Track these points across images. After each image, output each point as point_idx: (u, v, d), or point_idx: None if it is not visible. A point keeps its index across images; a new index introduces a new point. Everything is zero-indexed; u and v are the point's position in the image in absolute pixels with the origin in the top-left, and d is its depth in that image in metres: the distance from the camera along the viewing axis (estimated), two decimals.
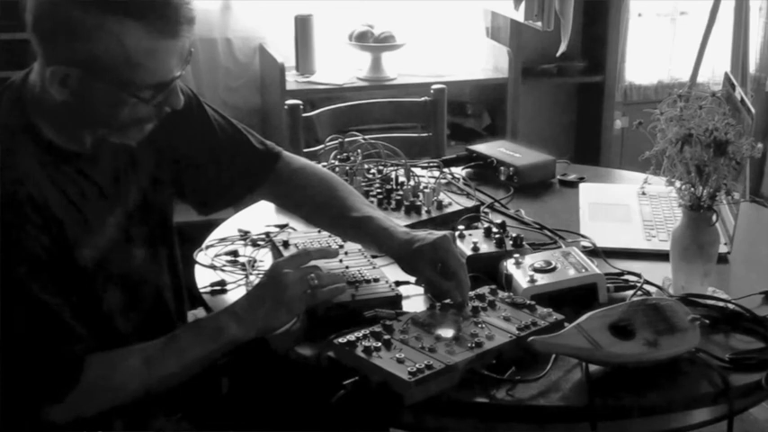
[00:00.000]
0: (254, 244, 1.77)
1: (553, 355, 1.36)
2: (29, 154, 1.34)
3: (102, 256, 1.41)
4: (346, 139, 2.08)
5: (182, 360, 1.38)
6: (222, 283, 1.62)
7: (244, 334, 1.39)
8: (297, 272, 1.42)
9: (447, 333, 1.36)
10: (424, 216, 1.83)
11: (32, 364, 1.30)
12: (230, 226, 1.84)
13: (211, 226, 1.86)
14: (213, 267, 1.68)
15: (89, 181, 1.42)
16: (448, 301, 1.46)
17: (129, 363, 1.36)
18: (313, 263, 1.46)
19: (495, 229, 1.71)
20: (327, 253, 1.52)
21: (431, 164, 2.17)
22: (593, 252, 1.73)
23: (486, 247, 1.67)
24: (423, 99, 2.68)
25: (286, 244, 1.70)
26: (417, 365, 1.26)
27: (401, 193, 1.90)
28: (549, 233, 1.84)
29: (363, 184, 1.93)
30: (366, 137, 2.07)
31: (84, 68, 1.29)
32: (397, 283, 1.57)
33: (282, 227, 1.83)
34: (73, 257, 1.35)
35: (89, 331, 1.35)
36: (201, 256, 1.73)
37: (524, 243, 1.69)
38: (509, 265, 1.59)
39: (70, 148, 1.39)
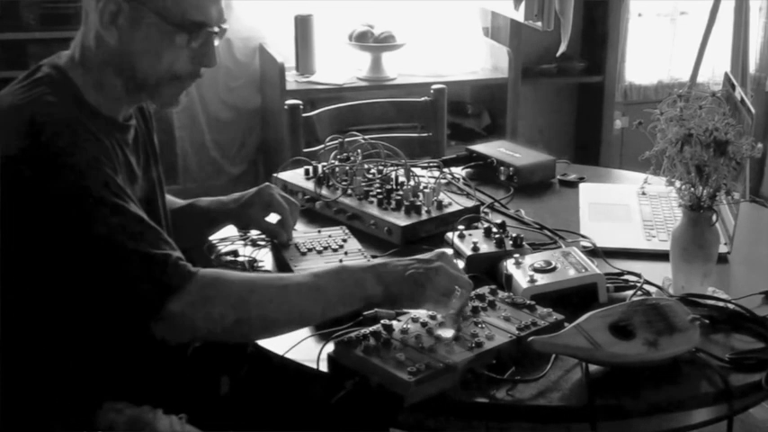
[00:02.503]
0: (254, 244, 1.77)
1: (553, 355, 1.36)
2: (80, 116, 1.38)
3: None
4: (346, 139, 2.08)
5: (318, 294, 1.37)
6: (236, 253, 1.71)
7: (375, 295, 1.38)
8: (451, 275, 1.41)
9: (447, 333, 1.36)
10: (424, 216, 1.83)
11: (142, 265, 1.30)
12: (230, 226, 1.83)
13: None
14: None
15: (122, 152, 1.46)
16: None
17: (250, 281, 1.39)
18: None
19: (495, 229, 1.71)
20: (464, 300, 1.44)
21: (431, 164, 2.17)
22: (593, 252, 1.73)
23: (486, 247, 1.67)
24: (423, 99, 2.68)
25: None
26: (417, 365, 1.26)
27: (401, 193, 1.90)
28: (549, 233, 1.84)
29: (363, 184, 1.93)
30: (366, 137, 2.06)
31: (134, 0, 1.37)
32: None
33: None
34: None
35: None
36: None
37: (524, 243, 1.69)
38: (509, 265, 1.59)
39: (107, 114, 1.44)
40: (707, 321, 1.41)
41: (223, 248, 1.75)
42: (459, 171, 2.19)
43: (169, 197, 1.72)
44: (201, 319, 1.32)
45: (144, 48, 1.41)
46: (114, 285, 1.30)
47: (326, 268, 1.42)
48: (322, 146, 2.19)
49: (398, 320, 1.39)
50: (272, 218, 1.75)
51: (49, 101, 1.36)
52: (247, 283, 1.39)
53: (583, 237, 1.82)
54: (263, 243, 1.77)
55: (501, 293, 1.49)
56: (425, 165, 2.16)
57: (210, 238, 1.79)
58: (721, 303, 1.51)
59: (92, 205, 1.30)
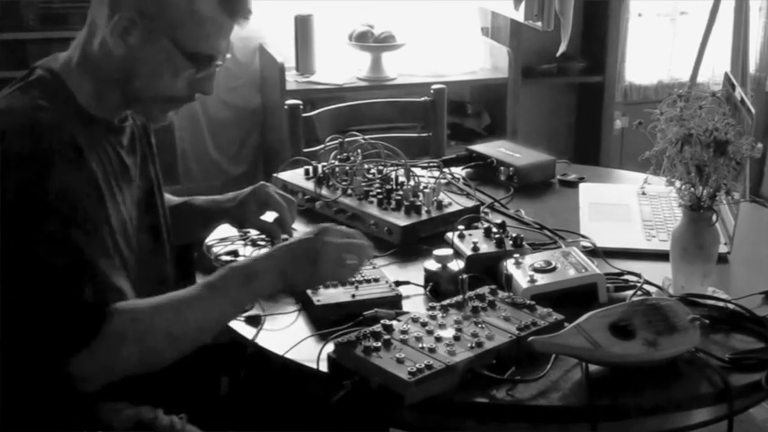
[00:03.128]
0: (254, 244, 1.77)
1: (553, 355, 1.36)
2: (70, 120, 1.37)
3: (118, 230, 1.42)
4: (346, 139, 2.08)
5: (214, 304, 1.35)
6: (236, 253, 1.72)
7: (271, 284, 1.39)
8: (338, 245, 1.42)
9: (447, 333, 1.36)
10: (424, 216, 1.83)
11: (61, 305, 1.27)
12: (230, 225, 1.83)
13: None
14: (213, 268, 1.68)
15: (115, 153, 1.46)
16: (447, 301, 1.46)
17: (157, 309, 1.33)
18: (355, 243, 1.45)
19: (495, 229, 1.71)
20: (368, 252, 1.48)
21: (431, 164, 2.17)
22: (593, 252, 1.73)
23: (486, 247, 1.67)
24: (423, 99, 2.68)
25: None
26: (417, 365, 1.26)
27: (401, 193, 1.90)
28: (549, 233, 1.84)
29: (363, 184, 1.93)
30: (366, 137, 2.06)
31: (151, 20, 1.38)
32: (397, 283, 1.57)
33: None
34: (109, 220, 1.38)
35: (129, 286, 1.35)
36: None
37: (524, 243, 1.69)
38: (509, 265, 1.59)
39: (100, 116, 1.44)
40: (707, 321, 1.41)
41: (223, 249, 1.75)
42: (459, 171, 2.19)
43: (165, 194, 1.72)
44: (115, 362, 1.29)
45: (148, 67, 1.42)
46: (36, 317, 1.27)
47: (216, 272, 1.39)
48: (322, 146, 2.19)
49: (398, 320, 1.39)
50: (269, 216, 1.75)
51: (40, 105, 1.35)
52: (149, 311, 1.33)
53: (583, 237, 1.82)
54: (262, 243, 1.77)
55: (501, 293, 1.49)
56: (425, 165, 2.17)
57: (210, 238, 1.79)
58: (721, 303, 1.51)
59: (48, 226, 1.28)
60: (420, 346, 1.32)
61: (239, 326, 1.47)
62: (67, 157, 1.32)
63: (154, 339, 1.31)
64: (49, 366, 1.27)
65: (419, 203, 1.85)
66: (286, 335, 1.44)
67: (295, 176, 2.01)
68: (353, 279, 1.54)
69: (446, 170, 2.08)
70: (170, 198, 1.75)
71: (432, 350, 1.31)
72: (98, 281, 1.30)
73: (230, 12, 1.42)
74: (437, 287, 1.57)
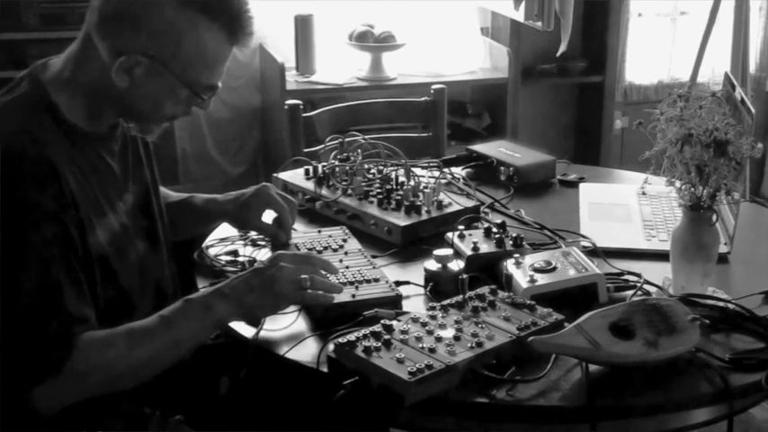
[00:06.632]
0: (254, 244, 1.77)
1: (553, 355, 1.36)
2: (50, 132, 1.36)
3: (108, 242, 1.41)
4: (346, 139, 2.08)
5: (169, 336, 1.37)
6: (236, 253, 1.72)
7: (229, 315, 1.40)
8: (293, 270, 1.42)
9: (447, 333, 1.36)
10: (424, 216, 1.83)
11: (25, 338, 1.28)
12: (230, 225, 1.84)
13: None
14: (213, 267, 1.68)
15: (104, 163, 1.45)
16: (447, 301, 1.46)
17: (117, 341, 1.34)
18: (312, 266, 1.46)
19: (495, 229, 1.71)
20: (329, 267, 1.52)
21: (431, 164, 2.17)
22: (593, 252, 1.73)
23: (486, 247, 1.67)
24: (423, 99, 2.68)
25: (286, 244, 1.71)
26: (417, 365, 1.26)
27: (401, 193, 1.90)
28: (549, 233, 1.84)
29: (363, 184, 1.93)
30: (366, 137, 2.07)
31: (161, 61, 1.37)
32: (397, 283, 1.57)
33: None
34: (85, 241, 1.36)
35: (97, 315, 1.35)
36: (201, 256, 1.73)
37: (524, 243, 1.69)
38: (509, 265, 1.59)
39: (88, 130, 1.42)
40: (707, 321, 1.41)
41: (223, 249, 1.75)
42: (459, 171, 2.19)
43: (164, 190, 1.71)
44: (77, 392, 1.32)
45: (151, 96, 1.41)
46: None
47: (173, 305, 1.40)
48: (322, 146, 2.19)
49: (398, 320, 1.39)
50: (268, 216, 1.75)
51: (20, 129, 1.34)
52: (111, 342, 1.34)
53: (583, 237, 1.82)
54: (263, 243, 1.77)
55: (501, 293, 1.49)
56: (425, 165, 2.16)
57: (210, 238, 1.79)
58: (721, 303, 1.51)
59: (23, 251, 1.29)
60: (420, 346, 1.32)
61: (239, 326, 1.47)
62: (36, 184, 1.31)
63: (115, 370, 1.34)
64: (12, 396, 1.29)
65: (419, 203, 1.85)
66: (286, 335, 1.44)
67: (295, 176, 2.01)
68: (354, 279, 1.54)
69: (446, 170, 2.08)
70: (170, 194, 1.75)
71: (432, 350, 1.31)
72: (63, 312, 1.30)
73: (236, 42, 1.42)
74: (437, 287, 1.57)
